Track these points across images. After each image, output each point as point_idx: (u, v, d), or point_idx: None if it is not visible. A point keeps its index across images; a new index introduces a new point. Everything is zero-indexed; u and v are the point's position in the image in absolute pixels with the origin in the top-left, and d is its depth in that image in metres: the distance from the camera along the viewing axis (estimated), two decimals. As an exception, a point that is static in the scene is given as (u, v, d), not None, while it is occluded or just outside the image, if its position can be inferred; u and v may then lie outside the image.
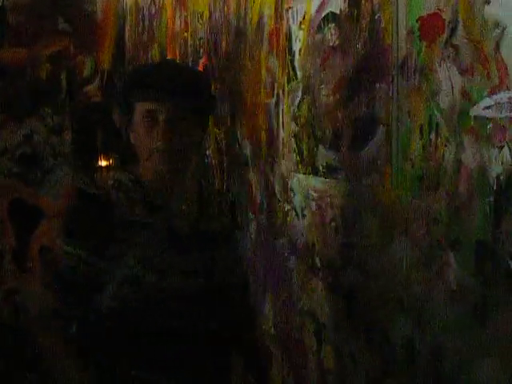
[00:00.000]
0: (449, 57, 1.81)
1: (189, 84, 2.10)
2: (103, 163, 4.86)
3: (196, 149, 2.24)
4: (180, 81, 2.09)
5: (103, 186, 2.14)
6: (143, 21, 4.58)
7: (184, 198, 2.19)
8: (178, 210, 2.16)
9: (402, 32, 1.98)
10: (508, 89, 1.63)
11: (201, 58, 3.53)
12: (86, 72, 5.29)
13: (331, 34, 2.33)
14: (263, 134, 2.85)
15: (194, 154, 2.25)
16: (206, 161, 3.48)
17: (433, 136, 1.87)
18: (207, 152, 3.46)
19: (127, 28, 4.95)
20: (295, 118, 2.58)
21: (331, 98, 2.33)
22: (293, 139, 2.59)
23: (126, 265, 2.03)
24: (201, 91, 2.14)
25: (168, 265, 2.06)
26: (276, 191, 2.74)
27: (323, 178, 2.39)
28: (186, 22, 3.76)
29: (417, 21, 1.92)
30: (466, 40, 1.76)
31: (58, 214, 4.24)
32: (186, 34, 3.77)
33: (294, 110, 2.59)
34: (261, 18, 2.85)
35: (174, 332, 2.05)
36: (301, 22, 2.52)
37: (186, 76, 2.15)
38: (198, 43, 3.58)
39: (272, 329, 2.83)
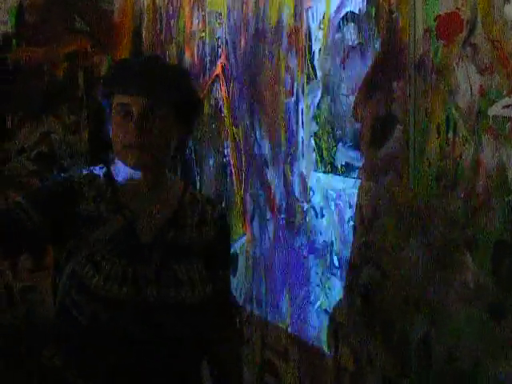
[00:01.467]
0: (467, 56, 1.81)
1: (165, 80, 2.01)
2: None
3: (174, 150, 2.08)
4: (156, 76, 2.00)
5: (77, 179, 2.05)
6: (160, 20, 4.58)
7: (155, 201, 2.07)
8: (144, 214, 2.05)
9: (420, 31, 1.98)
10: (527, 88, 1.63)
11: (219, 57, 3.54)
12: (103, 71, 5.31)
13: (350, 34, 2.33)
14: (282, 133, 2.86)
15: (172, 155, 2.09)
16: (225, 160, 3.49)
17: (450, 135, 1.87)
18: (226, 151, 3.46)
19: (144, 27, 4.96)
20: (314, 117, 2.58)
21: (350, 97, 2.33)
22: (312, 138, 2.60)
23: (75, 261, 1.97)
24: (178, 88, 2.03)
25: (117, 270, 1.97)
26: (295, 190, 2.74)
27: (342, 177, 2.39)
28: (204, 22, 3.76)
29: (434, 20, 1.92)
30: (484, 39, 1.76)
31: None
32: (203, 33, 3.77)
33: (313, 109, 2.59)
34: (280, 17, 2.85)
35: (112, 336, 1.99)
36: (320, 22, 2.53)
37: (164, 72, 2.05)
38: (216, 43, 3.59)
39: (289, 328, 2.83)
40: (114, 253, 1.98)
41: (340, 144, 2.40)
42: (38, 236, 2.02)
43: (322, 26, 2.51)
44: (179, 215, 2.09)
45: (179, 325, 2.01)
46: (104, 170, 2.09)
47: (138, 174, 2.04)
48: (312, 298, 2.63)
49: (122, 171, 2.06)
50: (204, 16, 3.76)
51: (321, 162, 2.52)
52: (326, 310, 2.54)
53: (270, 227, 2.97)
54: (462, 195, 1.83)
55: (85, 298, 1.97)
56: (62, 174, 2.11)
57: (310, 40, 2.60)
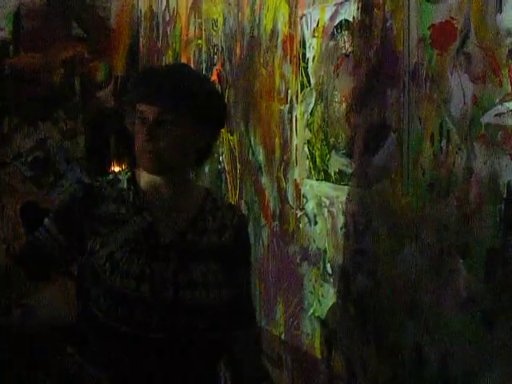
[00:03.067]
0: (460, 64, 1.82)
1: (181, 88, 2.02)
2: (116, 168, 4.87)
3: (198, 156, 2.13)
4: (171, 84, 2.02)
5: (99, 183, 2.11)
6: (157, 27, 4.60)
7: (176, 204, 2.10)
8: (164, 216, 2.08)
9: (414, 40, 1.99)
10: (519, 97, 1.64)
11: (215, 64, 3.55)
12: (100, 77, 5.32)
13: (344, 42, 2.34)
14: (276, 141, 2.87)
15: (196, 161, 2.14)
16: (220, 167, 3.49)
17: (444, 143, 1.87)
18: (220, 158, 3.47)
19: (141, 34, 4.97)
20: (308, 125, 2.59)
21: (344, 104, 2.34)
22: (306, 145, 2.61)
23: (95, 259, 2.02)
24: (195, 96, 2.03)
25: (135, 268, 2.01)
26: (289, 198, 2.75)
27: (335, 185, 2.40)
28: (200, 29, 3.78)
29: (428, 29, 1.93)
30: (477, 48, 1.77)
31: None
32: (200, 40, 3.78)
33: (307, 116, 2.60)
34: (275, 25, 2.86)
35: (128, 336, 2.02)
36: (314, 30, 2.54)
37: (180, 80, 2.06)
38: (212, 50, 3.60)
39: (283, 334, 2.84)
40: (133, 252, 2.03)
41: (333, 151, 2.40)
42: (67, 258, 2.12)
43: (316, 34, 2.52)
44: (199, 219, 2.12)
45: (193, 325, 2.05)
46: (129, 174, 2.13)
47: (158, 179, 2.08)
48: (305, 304, 2.63)
49: (144, 176, 2.10)
50: (200, 23, 3.78)
51: (314, 169, 2.53)
52: (319, 317, 2.54)
53: (264, 234, 2.98)
54: (455, 203, 1.84)
55: (102, 293, 2.01)
56: (86, 180, 2.15)
57: (304, 48, 2.61)
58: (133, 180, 2.11)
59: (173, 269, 2.04)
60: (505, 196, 1.68)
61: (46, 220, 2.11)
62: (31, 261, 2.11)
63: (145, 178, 2.09)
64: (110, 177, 2.15)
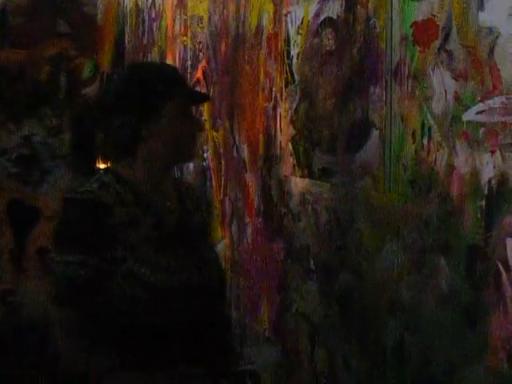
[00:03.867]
0: (442, 62, 1.83)
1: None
2: (101, 165, 4.87)
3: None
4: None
5: (89, 189, 2.11)
6: (143, 24, 4.59)
7: (167, 194, 2.16)
8: (164, 207, 2.13)
9: (396, 37, 2.00)
10: (501, 94, 1.65)
11: (200, 61, 3.55)
12: (86, 74, 5.31)
13: (328, 39, 2.35)
14: (261, 138, 2.87)
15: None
16: (204, 164, 3.49)
17: (425, 140, 1.88)
18: (205, 155, 3.47)
19: (127, 31, 4.97)
20: (292, 122, 2.59)
21: (328, 102, 2.35)
22: (290, 143, 2.61)
23: (125, 265, 2.02)
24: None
25: (159, 261, 2.05)
26: (273, 194, 2.75)
27: (319, 181, 2.41)
28: (186, 26, 3.78)
29: (411, 26, 1.94)
30: (459, 46, 1.77)
31: (56, 214, 4.25)
32: (185, 37, 3.78)
33: (291, 113, 2.60)
34: (259, 22, 2.87)
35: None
36: (299, 27, 2.54)
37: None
38: (197, 47, 3.60)
39: (267, 331, 2.84)
40: (156, 248, 2.06)
41: (317, 148, 2.41)
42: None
43: (300, 32, 2.52)
44: (183, 202, 2.20)
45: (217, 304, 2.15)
46: (112, 176, 2.12)
47: (141, 173, 2.12)
48: (289, 301, 2.64)
49: (128, 174, 2.13)
50: (186, 20, 3.78)
51: (298, 166, 2.53)
52: (302, 314, 2.54)
53: (249, 231, 2.98)
54: (437, 199, 1.85)
55: (140, 292, 2.03)
56: (82, 196, 2.10)
57: (289, 45, 2.61)
58: (123, 180, 2.11)
59: (183, 253, 2.10)
60: (486, 193, 1.69)
61: (70, 257, 2.05)
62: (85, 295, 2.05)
63: (129, 176, 2.11)
64: (96, 184, 2.11)
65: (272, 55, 2.76)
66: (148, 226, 2.06)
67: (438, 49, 1.84)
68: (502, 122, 1.64)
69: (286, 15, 2.64)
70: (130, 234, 2.03)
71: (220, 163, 3.29)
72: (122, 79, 2.22)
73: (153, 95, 2.09)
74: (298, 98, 2.55)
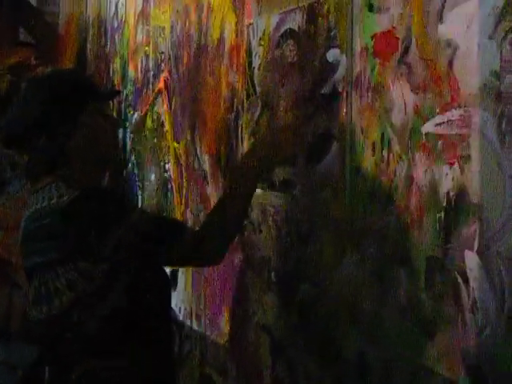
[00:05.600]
0: (402, 74, 1.84)
1: None
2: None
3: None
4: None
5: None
6: (105, 34, 4.57)
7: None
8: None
9: (357, 49, 2.00)
10: (459, 106, 1.66)
11: (162, 72, 3.54)
12: (48, 84, 5.27)
13: (289, 51, 2.35)
14: (222, 149, 2.86)
15: None
16: (166, 175, 3.48)
17: (385, 152, 1.89)
18: (167, 166, 3.46)
19: (89, 40, 4.94)
20: (254, 133, 2.59)
21: (289, 113, 2.35)
22: (251, 154, 2.60)
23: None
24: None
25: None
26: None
27: (279, 193, 2.40)
28: (148, 36, 3.76)
29: (371, 38, 1.94)
30: (419, 58, 1.78)
31: (15, 225, 4.20)
32: (147, 48, 3.77)
33: (252, 125, 2.60)
34: (222, 33, 2.86)
35: None
36: (260, 38, 2.54)
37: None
38: (159, 57, 3.59)
39: (228, 343, 2.83)
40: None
41: (278, 160, 2.41)
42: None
43: (262, 43, 2.52)
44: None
45: None
46: (64, 186, 2.11)
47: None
48: (250, 313, 2.63)
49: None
50: (148, 30, 3.76)
51: (259, 177, 2.53)
52: (263, 326, 2.54)
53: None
54: (396, 211, 1.85)
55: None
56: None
57: (251, 56, 2.61)
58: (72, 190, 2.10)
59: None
60: (444, 205, 1.70)
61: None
62: None
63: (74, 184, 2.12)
64: (49, 201, 2.10)
65: (234, 66, 2.75)
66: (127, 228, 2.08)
67: (398, 61, 1.85)
68: (461, 135, 1.65)
69: (247, 26, 2.64)
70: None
71: (181, 175, 3.28)
72: (29, 100, 2.19)
73: (67, 106, 2.12)
74: (259, 109, 2.55)
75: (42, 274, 2.06)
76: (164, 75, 3.50)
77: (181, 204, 3.29)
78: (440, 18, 1.72)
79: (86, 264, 2.00)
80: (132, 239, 2.03)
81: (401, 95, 1.84)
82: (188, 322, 3.16)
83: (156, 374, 2.18)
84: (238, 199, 2.21)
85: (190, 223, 3.14)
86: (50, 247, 2.04)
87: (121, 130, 4.05)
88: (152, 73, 3.69)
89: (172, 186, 3.40)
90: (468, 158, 1.63)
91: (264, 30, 2.51)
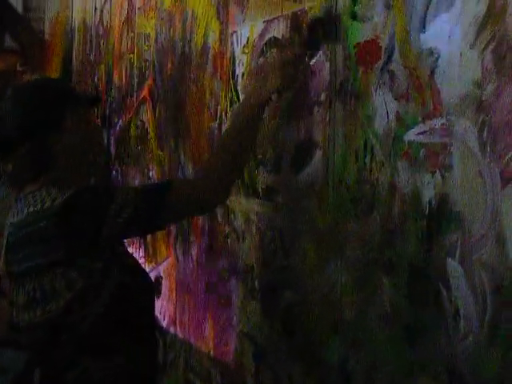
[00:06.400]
0: (384, 83, 1.84)
1: None
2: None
3: None
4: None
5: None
6: (90, 40, 4.57)
7: None
8: None
9: (340, 57, 2.01)
10: (441, 115, 1.67)
11: (146, 79, 3.54)
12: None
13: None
14: (206, 157, 2.86)
15: None
16: (149, 183, 3.47)
17: (368, 160, 1.89)
18: (151, 174, 3.45)
19: (75, 47, 4.93)
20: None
21: (272, 121, 2.35)
22: (234, 162, 2.60)
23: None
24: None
25: None
26: (217, 213, 2.74)
27: (263, 201, 2.41)
28: (133, 44, 3.76)
29: (354, 47, 1.95)
30: (401, 67, 1.79)
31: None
32: (132, 55, 3.77)
33: (236, 132, 2.60)
34: (205, 41, 2.87)
35: None
36: (244, 46, 2.54)
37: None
38: (143, 65, 3.58)
39: (212, 351, 2.83)
40: None
41: (261, 167, 2.41)
42: None
43: (245, 51, 2.53)
44: None
45: None
46: (50, 191, 2.10)
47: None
48: (234, 321, 2.63)
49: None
50: (133, 38, 3.76)
51: (242, 185, 2.53)
52: (247, 333, 2.54)
53: (194, 250, 2.97)
54: (379, 219, 1.86)
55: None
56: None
57: (234, 64, 2.61)
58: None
59: None
60: (426, 212, 1.70)
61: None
62: None
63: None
64: (41, 206, 2.09)
65: (218, 74, 2.76)
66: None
67: (381, 69, 1.86)
68: (442, 143, 1.66)
69: (231, 34, 2.65)
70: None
71: (166, 182, 3.27)
72: (13, 107, 2.18)
73: (50, 113, 2.12)
74: (242, 117, 2.55)
75: (36, 277, 2.06)
76: (148, 83, 3.50)
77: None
78: (423, 26, 1.73)
79: (84, 260, 2.02)
80: (128, 214, 2.02)
81: (383, 103, 1.85)
82: (172, 330, 3.16)
83: (150, 371, 2.20)
84: (245, 130, 2.14)
85: (173, 230, 3.14)
86: (46, 250, 2.03)
87: (105, 138, 4.04)
88: (136, 80, 3.69)
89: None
90: (450, 166, 1.64)
91: (248, 38, 2.52)
